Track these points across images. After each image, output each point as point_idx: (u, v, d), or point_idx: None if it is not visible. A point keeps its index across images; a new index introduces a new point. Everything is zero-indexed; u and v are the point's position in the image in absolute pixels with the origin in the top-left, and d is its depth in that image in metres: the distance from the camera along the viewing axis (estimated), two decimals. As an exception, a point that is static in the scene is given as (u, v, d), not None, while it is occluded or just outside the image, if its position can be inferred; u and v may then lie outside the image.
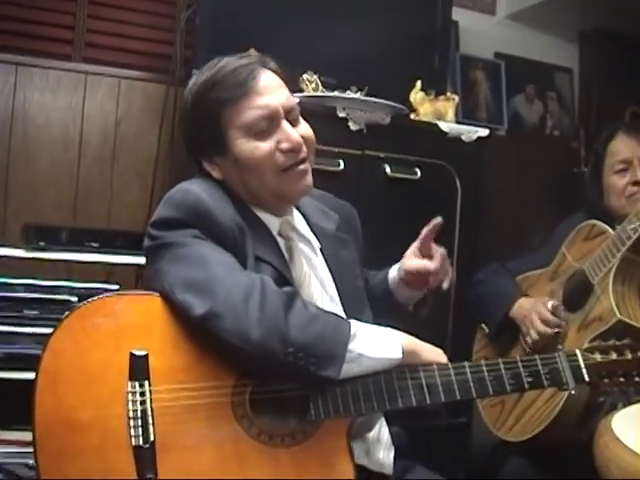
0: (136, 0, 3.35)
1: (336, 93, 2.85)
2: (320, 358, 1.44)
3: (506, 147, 3.89)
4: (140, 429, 1.43)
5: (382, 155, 2.87)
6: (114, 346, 1.48)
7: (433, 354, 1.59)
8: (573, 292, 2.39)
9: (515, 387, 1.58)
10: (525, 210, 3.95)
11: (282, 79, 1.73)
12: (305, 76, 2.88)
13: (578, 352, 1.64)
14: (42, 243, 2.52)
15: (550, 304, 2.40)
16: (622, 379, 1.63)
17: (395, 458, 1.70)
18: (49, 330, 1.49)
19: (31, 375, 1.45)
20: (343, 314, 1.69)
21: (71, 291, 2.54)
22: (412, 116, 3.09)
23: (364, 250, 1.98)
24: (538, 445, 2.27)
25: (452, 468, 2.55)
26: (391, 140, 2.90)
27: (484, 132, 3.09)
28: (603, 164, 2.56)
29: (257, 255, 1.61)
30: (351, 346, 1.47)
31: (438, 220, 1.85)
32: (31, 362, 1.48)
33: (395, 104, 2.91)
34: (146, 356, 1.47)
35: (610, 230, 2.33)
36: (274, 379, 1.49)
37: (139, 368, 1.46)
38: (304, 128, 1.73)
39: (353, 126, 2.82)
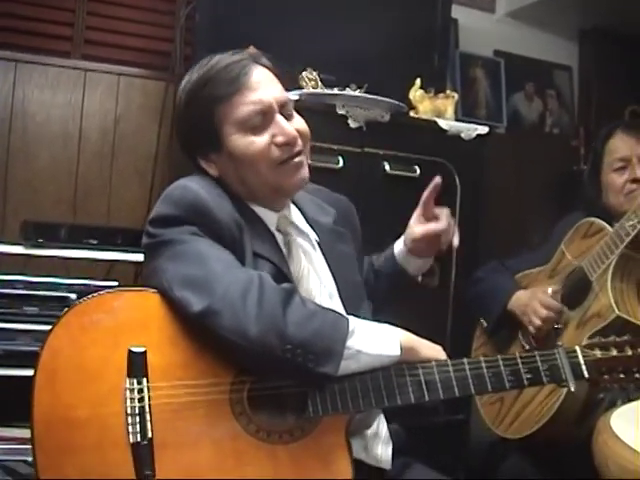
0: (135, -3, 3.36)
1: (336, 90, 2.85)
2: (318, 355, 1.44)
3: (505, 145, 3.90)
4: (138, 426, 1.43)
5: (381, 152, 2.87)
6: (112, 343, 1.48)
7: (432, 351, 1.59)
8: (572, 289, 2.39)
9: (514, 384, 1.58)
10: (524, 208, 3.95)
11: (274, 74, 1.74)
12: (305, 73, 2.87)
13: (578, 348, 1.63)
14: (41, 240, 2.52)
15: (550, 290, 2.41)
16: (622, 375, 1.63)
17: (393, 453, 1.70)
18: (48, 327, 1.48)
19: (30, 372, 1.45)
20: (342, 309, 1.70)
21: (70, 288, 2.54)
22: (411, 114, 3.09)
23: (362, 244, 1.99)
24: (537, 442, 2.27)
25: (451, 465, 2.55)
26: (390, 138, 2.90)
27: (483, 130, 3.09)
28: (602, 162, 2.57)
29: (255, 251, 1.61)
30: (349, 343, 1.47)
31: (437, 180, 1.87)
32: (30, 359, 1.48)
33: (395, 102, 2.91)
34: (144, 353, 1.47)
35: (609, 227, 2.34)
36: (272, 376, 1.49)
37: (137, 365, 1.46)
38: (298, 122, 1.73)
39: (352, 123, 2.82)
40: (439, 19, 3.40)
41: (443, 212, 1.88)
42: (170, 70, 3.24)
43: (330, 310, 1.54)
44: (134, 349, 1.47)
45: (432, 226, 1.87)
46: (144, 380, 1.46)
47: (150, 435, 1.43)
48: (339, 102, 2.81)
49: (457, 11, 3.74)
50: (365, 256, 2.03)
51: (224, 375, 1.49)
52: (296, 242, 1.74)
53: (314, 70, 2.90)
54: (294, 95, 2.66)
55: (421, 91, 3.13)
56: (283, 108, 1.69)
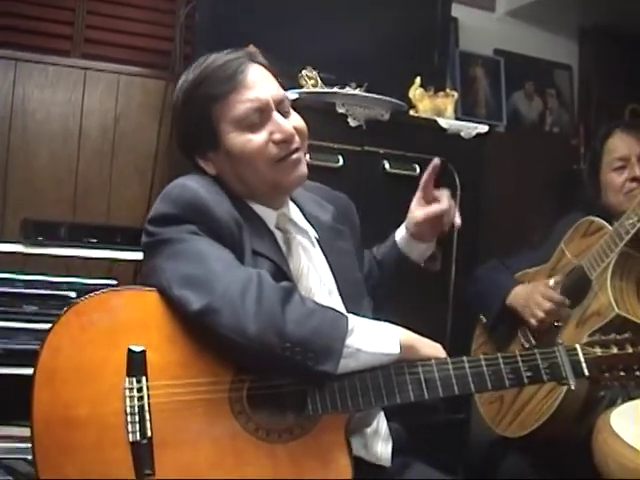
0: (135, -4, 3.35)
1: (335, 89, 2.85)
2: (317, 353, 1.44)
3: (505, 144, 3.89)
4: (137, 425, 1.43)
5: (381, 151, 2.87)
6: (111, 342, 1.48)
7: (432, 349, 1.59)
8: (572, 288, 2.39)
9: (514, 382, 1.58)
10: (524, 207, 3.94)
11: (271, 72, 1.74)
12: (304, 72, 2.87)
13: (578, 346, 1.63)
14: (41, 238, 2.53)
15: (552, 281, 2.42)
16: (623, 373, 1.63)
17: (393, 451, 1.70)
18: (48, 326, 1.49)
19: (30, 371, 1.45)
20: (342, 306, 1.70)
21: (70, 287, 2.55)
22: (411, 112, 3.08)
23: (361, 240, 2.00)
24: (537, 441, 2.28)
25: (451, 464, 2.55)
26: (390, 136, 2.90)
27: (483, 129, 3.08)
28: (601, 162, 2.58)
29: (254, 249, 1.61)
30: (348, 341, 1.47)
31: (436, 162, 1.89)
32: (30, 358, 1.48)
33: (394, 100, 2.91)
34: (143, 352, 1.47)
35: (608, 226, 2.34)
36: (271, 374, 1.49)
37: (137, 364, 1.47)
38: (296, 119, 1.74)
39: (352, 122, 2.82)
40: (439, 18, 3.39)
41: (443, 193, 1.90)
42: (170, 69, 3.24)
43: (329, 308, 1.54)
44: (133, 348, 1.47)
45: (434, 208, 1.89)
46: (143, 379, 1.46)
47: (149, 434, 1.44)
48: (339, 101, 2.81)
49: (457, 10, 3.73)
50: (365, 250, 2.04)
51: (223, 374, 1.49)
52: (295, 240, 1.74)
53: (314, 69, 2.89)
54: (294, 94, 2.66)
55: (421, 90, 3.12)
56: (280, 105, 1.69)
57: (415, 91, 3.12)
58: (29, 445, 1.42)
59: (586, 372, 1.61)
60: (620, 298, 2.19)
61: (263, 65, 1.73)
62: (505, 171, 3.86)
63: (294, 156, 1.68)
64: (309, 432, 1.50)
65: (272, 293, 1.47)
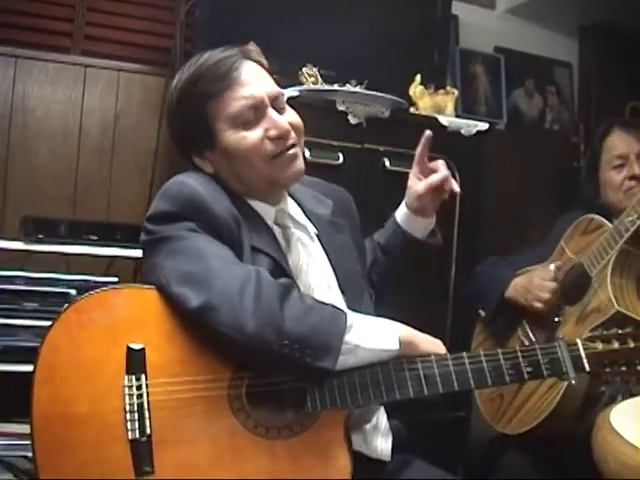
0: (135, -7, 3.35)
1: (336, 86, 2.85)
2: (316, 350, 1.44)
3: (505, 141, 3.89)
4: (137, 422, 1.44)
5: (381, 149, 2.87)
6: (111, 340, 1.48)
7: (431, 345, 1.59)
8: (571, 285, 2.39)
9: (514, 377, 1.58)
10: (524, 204, 3.94)
11: (265, 69, 1.74)
12: (305, 69, 2.87)
13: (579, 341, 1.63)
14: (41, 236, 2.53)
15: (552, 266, 2.42)
16: (624, 368, 1.62)
17: (393, 447, 1.70)
18: (48, 323, 1.49)
19: (30, 368, 1.46)
20: (341, 301, 1.71)
21: (70, 284, 2.55)
22: (411, 110, 3.09)
23: (360, 233, 2.00)
24: (537, 438, 2.28)
25: (451, 461, 2.55)
26: (390, 134, 2.90)
27: (483, 126, 3.08)
28: (600, 160, 2.58)
29: (253, 245, 1.62)
30: (347, 337, 1.47)
31: (427, 134, 1.93)
32: (30, 355, 1.49)
33: (395, 98, 2.91)
34: (143, 350, 1.48)
35: (608, 224, 2.35)
36: (270, 371, 1.49)
37: (136, 362, 1.47)
38: (291, 115, 1.74)
39: (352, 120, 2.82)
40: (439, 15, 3.40)
41: (438, 163, 1.93)
42: (170, 66, 3.23)
43: (328, 305, 1.54)
44: (133, 346, 1.48)
45: (433, 177, 1.91)
46: (143, 377, 1.47)
47: (149, 431, 1.44)
48: (339, 98, 2.81)
49: (457, 7, 3.73)
50: (366, 238, 2.05)
51: (222, 371, 1.49)
52: (294, 235, 1.74)
53: (314, 66, 2.89)
54: (294, 91, 2.66)
55: (421, 87, 3.12)
56: (275, 102, 1.70)
57: (415, 89, 3.12)
58: (29, 442, 1.43)
59: (587, 367, 1.61)
60: (620, 295, 2.19)
61: (257, 62, 1.73)
62: (505, 169, 3.86)
63: (290, 152, 1.69)
64: (308, 429, 1.50)
65: (270, 290, 1.47)
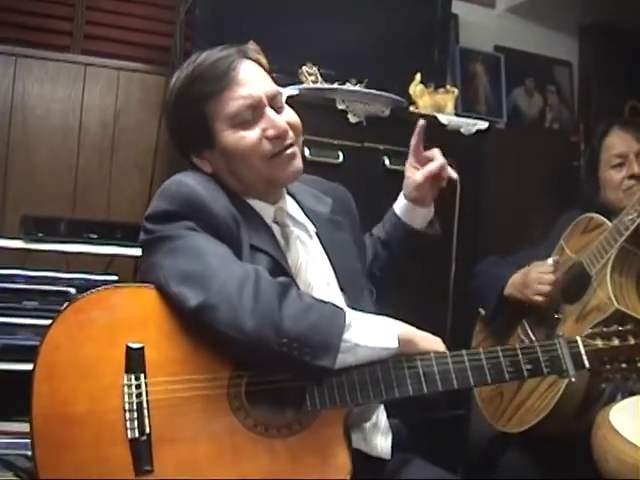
0: (135, -8, 3.35)
1: (336, 85, 2.85)
2: (315, 348, 1.44)
3: (505, 140, 3.89)
4: (136, 421, 1.44)
5: (381, 147, 2.87)
6: (110, 339, 1.48)
7: (431, 343, 1.59)
8: (571, 284, 2.40)
9: (514, 375, 1.58)
10: (524, 203, 3.95)
11: (263, 67, 1.74)
12: (305, 68, 2.87)
13: (579, 338, 1.63)
14: (41, 234, 2.53)
15: (550, 260, 2.42)
16: (624, 365, 1.62)
17: (393, 445, 1.71)
18: (48, 321, 1.49)
19: (30, 366, 1.46)
20: (341, 299, 1.71)
21: (70, 282, 2.55)
22: (411, 109, 3.08)
23: (360, 230, 2.01)
24: (536, 437, 2.28)
25: (451, 460, 2.55)
26: (390, 132, 2.90)
27: (483, 125, 3.09)
28: (599, 159, 2.59)
29: (252, 244, 1.62)
30: (346, 336, 1.47)
31: (421, 123, 1.95)
32: (30, 353, 1.48)
33: (394, 96, 2.91)
34: (142, 349, 1.48)
35: (608, 222, 2.35)
36: (269, 370, 1.49)
37: (135, 361, 1.47)
38: (289, 114, 1.74)
39: (352, 118, 2.82)
40: (439, 14, 3.40)
41: (434, 152, 1.96)
42: (170, 65, 3.23)
43: (327, 303, 1.54)
44: (132, 345, 1.48)
45: (431, 165, 1.94)
46: (142, 376, 1.47)
47: (148, 430, 1.44)
48: (339, 97, 2.81)
49: (457, 6, 3.73)
50: (366, 234, 2.06)
51: (222, 370, 1.49)
52: (293, 233, 1.74)
53: (314, 65, 2.89)
54: (294, 90, 2.66)
55: (421, 86, 3.12)
56: (273, 101, 1.70)
57: (415, 87, 3.12)
58: (29, 441, 1.43)
59: (587, 364, 1.61)
60: (620, 293, 2.19)
61: (256, 61, 1.73)
62: (505, 168, 3.87)
63: (288, 151, 1.69)
64: (308, 427, 1.50)
65: (269, 289, 1.47)
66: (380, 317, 1.59)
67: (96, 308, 1.51)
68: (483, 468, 2.75)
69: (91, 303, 1.52)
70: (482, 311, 2.65)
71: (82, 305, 1.51)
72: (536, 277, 2.42)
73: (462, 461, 2.92)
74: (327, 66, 2.94)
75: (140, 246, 1.66)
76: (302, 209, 1.83)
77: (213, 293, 1.44)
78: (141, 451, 1.43)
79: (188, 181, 1.62)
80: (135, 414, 1.44)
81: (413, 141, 1.98)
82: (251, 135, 1.66)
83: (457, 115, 3.18)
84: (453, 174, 1.95)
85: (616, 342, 1.63)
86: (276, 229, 1.72)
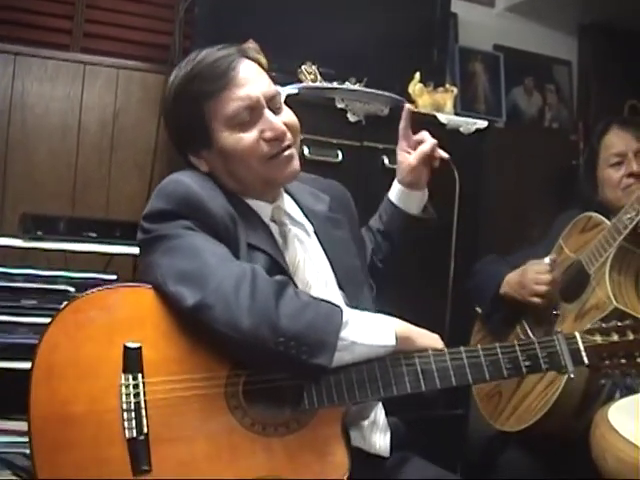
0: (135, -10, 3.35)
1: (335, 84, 2.85)
2: (311, 347, 1.44)
3: (505, 139, 3.89)
4: (134, 421, 1.44)
5: (380, 146, 2.87)
6: (107, 339, 1.49)
7: (429, 340, 1.59)
8: (570, 283, 2.40)
9: (512, 372, 1.58)
10: (524, 202, 3.95)
11: (262, 67, 1.74)
12: (304, 67, 2.87)
13: (577, 334, 1.63)
14: (40, 233, 2.52)
15: (548, 259, 2.42)
16: (623, 360, 1.62)
17: (392, 443, 1.71)
18: (47, 320, 1.50)
19: (29, 365, 1.46)
20: (340, 297, 1.71)
21: (69, 281, 2.55)
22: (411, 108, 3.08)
23: (359, 227, 2.02)
24: (535, 436, 2.28)
25: (450, 459, 2.55)
26: (390, 131, 2.87)
27: (483, 124, 3.08)
28: (598, 158, 2.60)
29: (250, 243, 1.62)
30: (343, 334, 1.47)
31: (407, 107, 2.02)
32: (29, 352, 1.48)
33: (394, 96, 2.91)
34: (139, 348, 1.48)
35: (607, 221, 2.35)
36: (266, 369, 1.49)
37: (133, 360, 1.47)
38: (287, 115, 1.74)
39: (352, 117, 2.82)
40: (439, 13, 3.40)
41: (423, 134, 2.00)
42: (169, 63, 3.22)
43: (324, 301, 1.54)
44: (129, 345, 1.48)
45: (424, 147, 1.98)
46: (139, 376, 1.47)
47: (146, 430, 1.44)
48: (338, 96, 2.81)
49: (457, 5, 3.74)
50: (363, 228, 2.07)
51: (219, 369, 1.49)
52: (291, 232, 1.74)
53: (313, 64, 2.89)
54: (293, 89, 2.66)
55: (420, 85, 3.12)
56: (271, 102, 1.70)
57: (414, 86, 3.12)
58: (27, 439, 1.43)
59: (586, 360, 1.61)
60: (618, 292, 2.19)
61: (255, 60, 1.73)
62: (504, 167, 3.87)
63: (286, 153, 1.69)
64: (305, 426, 1.50)
65: (266, 287, 1.47)
66: (377, 315, 1.59)
67: (94, 308, 1.51)
68: (482, 467, 2.75)
69: (89, 303, 1.52)
70: (479, 310, 2.65)
71: (80, 305, 1.52)
72: (532, 277, 2.42)
73: (461, 460, 2.92)
74: (326, 65, 2.94)
75: (138, 245, 1.66)
76: (300, 207, 1.84)
77: (210, 292, 1.45)
78: (139, 451, 1.43)
79: (185, 180, 1.62)
80: (133, 414, 1.44)
81: (401, 125, 2.02)
82: (249, 137, 1.66)
83: (456, 114, 3.18)
84: (444, 154, 1.99)
85: (615, 337, 1.63)
86: (274, 228, 1.72)
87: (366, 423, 1.67)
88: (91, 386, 1.46)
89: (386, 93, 2.88)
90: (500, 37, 4.08)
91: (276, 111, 1.70)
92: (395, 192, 2.04)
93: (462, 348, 1.57)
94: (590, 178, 2.61)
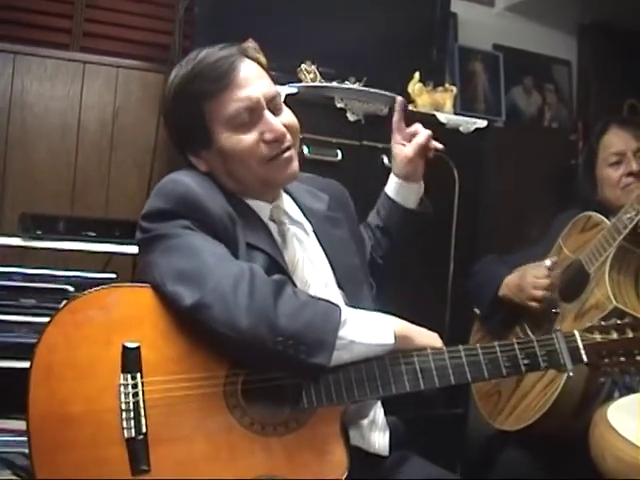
0: (134, -10, 3.35)
1: (334, 84, 2.85)
2: (310, 346, 1.44)
3: (504, 139, 3.88)
4: (132, 421, 1.44)
5: (380, 146, 2.87)
6: (106, 339, 1.48)
7: (427, 338, 1.59)
8: (570, 282, 2.40)
9: (511, 370, 1.58)
10: (523, 202, 3.94)
11: (263, 67, 1.74)
12: (303, 66, 2.87)
13: (576, 332, 1.63)
14: (39, 232, 2.52)
15: (548, 262, 2.42)
16: (623, 358, 1.63)
17: (391, 442, 1.70)
18: (46, 319, 1.50)
19: (28, 364, 1.46)
20: (338, 296, 1.71)
21: (68, 280, 2.55)
22: (410, 107, 3.08)
23: (358, 225, 2.03)
24: (535, 435, 2.28)
25: (449, 458, 2.56)
26: (389, 131, 2.87)
27: (482, 123, 3.08)
28: (597, 157, 2.60)
29: (249, 242, 1.62)
30: (341, 333, 1.47)
31: (400, 100, 2.06)
32: (28, 351, 1.48)
33: (393, 95, 2.90)
34: (138, 348, 1.48)
35: (606, 221, 2.35)
36: (265, 368, 1.49)
37: (131, 360, 1.47)
38: (287, 116, 1.74)
39: (351, 117, 2.81)
40: (438, 13, 3.39)
41: (416, 127, 2.04)
42: (169, 63, 3.22)
43: (322, 300, 1.54)
44: (128, 345, 1.48)
45: (419, 138, 2.01)
46: (138, 375, 1.47)
47: (145, 430, 1.44)
48: (338, 95, 2.80)
49: (456, 5, 3.73)
50: (361, 225, 2.07)
51: (218, 368, 1.49)
52: (290, 231, 1.75)
53: (313, 63, 2.89)
54: (293, 88, 2.66)
55: (420, 84, 3.12)
56: (271, 102, 1.69)
57: (414, 86, 3.12)
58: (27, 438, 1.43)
59: (585, 358, 1.62)
60: (618, 291, 2.19)
61: (255, 60, 1.72)
62: (504, 166, 3.86)
63: (285, 155, 1.69)
64: (304, 425, 1.50)
65: (264, 287, 1.47)
66: (376, 313, 1.60)
67: (92, 308, 1.51)
68: (481, 466, 2.75)
69: (87, 303, 1.52)
70: (477, 311, 2.65)
71: (78, 305, 1.52)
72: (531, 281, 2.42)
73: (460, 459, 2.92)
74: (326, 64, 2.94)
75: (137, 244, 1.66)
76: (299, 207, 1.84)
77: (208, 292, 1.45)
78: (138, 451, 1.43)
79: (184, 179, 1.62)
80: (131, 414, 1.44)
81: (395, 119, 2.05)
82: (248, 138, 1.66)
83: (456, 114, 3.18)
84: (439, 145, 2.01)
85: (614, 335, 1.63)
86: (273, 227, 1.72)
87: (365, 422, 1.67)
88: (90, 386, 1.46)
89: (385, 92, 2.87)
90: (500, 37, 4.07)
91: (276, 112, 1.70)
92: (392, 186, 2.05)
93: (461, 347, 1.57)
94: (589, 177, 2.61)
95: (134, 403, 1.45)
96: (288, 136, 1.69)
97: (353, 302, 1.69)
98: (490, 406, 2.50)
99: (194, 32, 3.11)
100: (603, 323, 1.67)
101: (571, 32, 4.27)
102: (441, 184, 2.92)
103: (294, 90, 2.64)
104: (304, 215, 1.82)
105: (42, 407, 1.44)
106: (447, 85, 3.23)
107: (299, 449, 1.49)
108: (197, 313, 1.45)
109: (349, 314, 1.52)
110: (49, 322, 1.49)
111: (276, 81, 1.76)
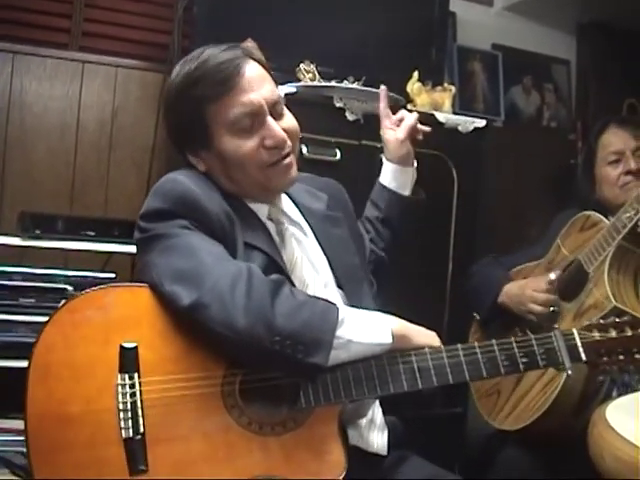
0: (133, -11, 3.35)
1: (333, 83, 2.85)
2: (307, 345, 1.44)
3: (503, 138, 3.89)
4: (130, 421, 1.44)
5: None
6: (104, 339, 1.49)
7: (425, 337, 1.59)
8: (569, 282, 2.39)
9: (510, 368, 1.58)
10: (522, 201, 3.95)
11: (266, 69, 1.73)
12: (302, 66, 2.87)
13: (575, 331, 1.63)
14: (38, 231, 2.53)
15: (553, 275, 2.41)
16: (621, 357, 1.62)
17: (389, 441, 1.70)
18: (45, 318, 1.50)
19: (27, 364, 1.46)
20: (338, 296, 1.72)
21: (67, 280, 2.55)
22: (409, 107, 3.08)
23: (356, 223, 2.03)
24: (534, 434, 2.28)
25: (448, 458, 2.56)
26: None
27: (481, 123, 3.08)
28: (595, 156, 2.60)
29: (247, 242, 1.62)
30: (339, 332, 1.47)
31: (382, 88, 2.14)
32: (27, 350, 1.48)
33: (392, 94, 2.90)
34: (136, 348, 1.48)
35: (605, 220, 2.35)
36: (263, 368, 1.49)
37: (129, 360, 1.47)
38: (288, 120, 1.73)
39: (350, 116, 2.82)
40: (437, 12, 3.39)
41: (402, 112, 2.12)
42: (168, 62, 3.22)
43: (320, 300, 1.54)
44: (125, 345, 1.48)
45: (408, 121, 2.08)
46: (136, 375, 1.47)
47: (142, 430, 1.44)
48: (337, 94, 2.81)
49: (455, 4, 3.73)
50: (359, 221, 2.08)
51: (216, 368, 1.49)
52: (288, 231, 1.74)
53: (312, 62, 2.89)
54: (292, 87, 2.66)
55: (419, 84, 3.12)
56: (273, 107, 1.69)
57: (413, 85, 3.12)
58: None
59: (583, 357, 1.61)
60: (617, 291, 2.19)
61: (259, 61, 1.72)
62: (503, 166, 3.86)
63: (285, 161, 1.69)
64: (302, 425, 1.51)
65: (262, 286, 1.47)
66: (374, 312, 1.60)
67: (90, 308, 1.51)
68: (480, 465, 2.75)
69: (85, 303, 1.52)
70: (477, 316, 2.65)
71: (76, 305, 1.52)
72: (530, 295, 2.41)
73: (459, 458, 2.92)
74: (325, 64, 2.94)
75: (135, 244, 1.66)
76: (297, 206, 1.84)
77: (206, 291, 1.45)
78: (135, 450, 1.43)
79: (182, 179, 1.62)
80: (129, 414, 1.44)
81: (381, 106, 2.12)
82: (249, 144, 1.66)
83: (455, 113, 3.18)
84: (424, 127, 2.12)
85: (613, 334, 1.63)
86: (271, 227, 1.72)
87: (363, 421, 1.66)
88: (87, 386, 1.46)
89: (385, 92, 2.88)
90: (498, 36, 4.07)
91: (278, 117, 1.70)
92: (388, 174, 2.09)
93: (459, 345, 1.57)
94: (588, 177, 2.61)
95: (132, 403, 1.45)
96: (288, 142, 1.69)
97: (353, 301, 1.70)
98: (489, 405, 2.50)
99: (193, 32, 3.12)
100: (602, 321, 1.66)
101: (570, 32, 4.27)
102: (440, 184, 2.92)
103: (293, 90, 2.64)
104: (303, 215, 1.83)
105: (40, 407, 1.44)
106: (446, 85, 3.23)
107: (297, 449, 1.49)
108: (195, 313, 1.45)
109: (347, 313, 1.52)
110: (47, 322, 1.49)
111: (275, 81, 1.76)
